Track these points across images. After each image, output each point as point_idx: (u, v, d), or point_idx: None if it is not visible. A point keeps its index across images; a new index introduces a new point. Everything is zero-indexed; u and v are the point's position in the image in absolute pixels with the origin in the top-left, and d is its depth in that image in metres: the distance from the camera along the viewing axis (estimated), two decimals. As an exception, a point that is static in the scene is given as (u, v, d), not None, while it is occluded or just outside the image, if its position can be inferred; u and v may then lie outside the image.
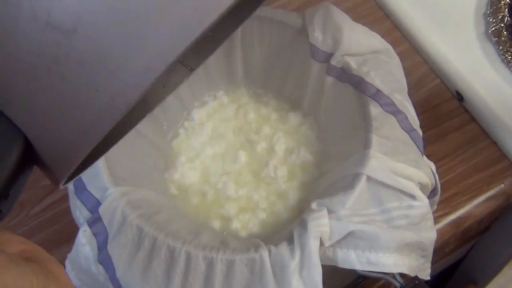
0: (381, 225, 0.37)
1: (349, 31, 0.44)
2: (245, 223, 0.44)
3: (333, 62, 0.44)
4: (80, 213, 0.39)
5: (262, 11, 0.47)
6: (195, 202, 0.45)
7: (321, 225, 0.35)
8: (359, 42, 0.44)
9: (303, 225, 0.36)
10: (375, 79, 0.42)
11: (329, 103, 0.46)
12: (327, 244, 0.35)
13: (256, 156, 0.48)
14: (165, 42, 0.20)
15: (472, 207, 0.51)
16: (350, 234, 0.36)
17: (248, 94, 0.52)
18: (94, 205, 0.38)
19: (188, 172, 0.47)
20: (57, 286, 0.22)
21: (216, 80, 0.51)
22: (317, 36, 0.44)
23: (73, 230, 0.39)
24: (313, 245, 0.35)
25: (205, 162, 0.48)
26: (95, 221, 0.37)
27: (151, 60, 0.21)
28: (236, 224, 0.44)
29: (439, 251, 0.50)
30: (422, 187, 0.40)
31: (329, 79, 0.45)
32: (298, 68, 0.48)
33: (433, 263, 0.38)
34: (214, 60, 0.49)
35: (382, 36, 0.46)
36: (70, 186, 0.40)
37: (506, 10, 0.58)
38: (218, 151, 0.48)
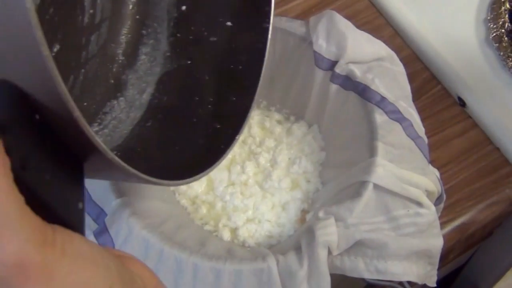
0: (389, 233, 0.36)
1: (353, 38, 0.43)
2: (252, 233, 0.44)
3: (338, 69, 0.44)
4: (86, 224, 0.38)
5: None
6: (204, 211, 0.45)
7: (329, 233, 0.35)
8: (363, 50, 0.44)
9: (311, 234, 0.35)
10: (380, 86, 0.42)
11: (333, 111, 0.46)
12: (335, 253, 0.35)
13: (259, 167, 0.47)
14: None
15: (476, 212, 0.51)
16: (358, 243, 0.35)
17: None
18: (100, 216, 0.38)
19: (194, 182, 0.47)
20: None
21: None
22: (321, 44, 0.44)
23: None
24: (321, 254, 0.35)
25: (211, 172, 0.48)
26: (101, 232, 0.37)
27: None
28: (243, 233, 0.43)
29: (443, 257, 0.49)
30: (428, 194, 0.39)
31: (334, 87, 0.45)
32: (302, 76, 0.48)
33: (437, 269, 0.38)
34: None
35: (383, 43, 0.46)
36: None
37: (507, 15, 0.59)
38: (223, 162, 0.48)
